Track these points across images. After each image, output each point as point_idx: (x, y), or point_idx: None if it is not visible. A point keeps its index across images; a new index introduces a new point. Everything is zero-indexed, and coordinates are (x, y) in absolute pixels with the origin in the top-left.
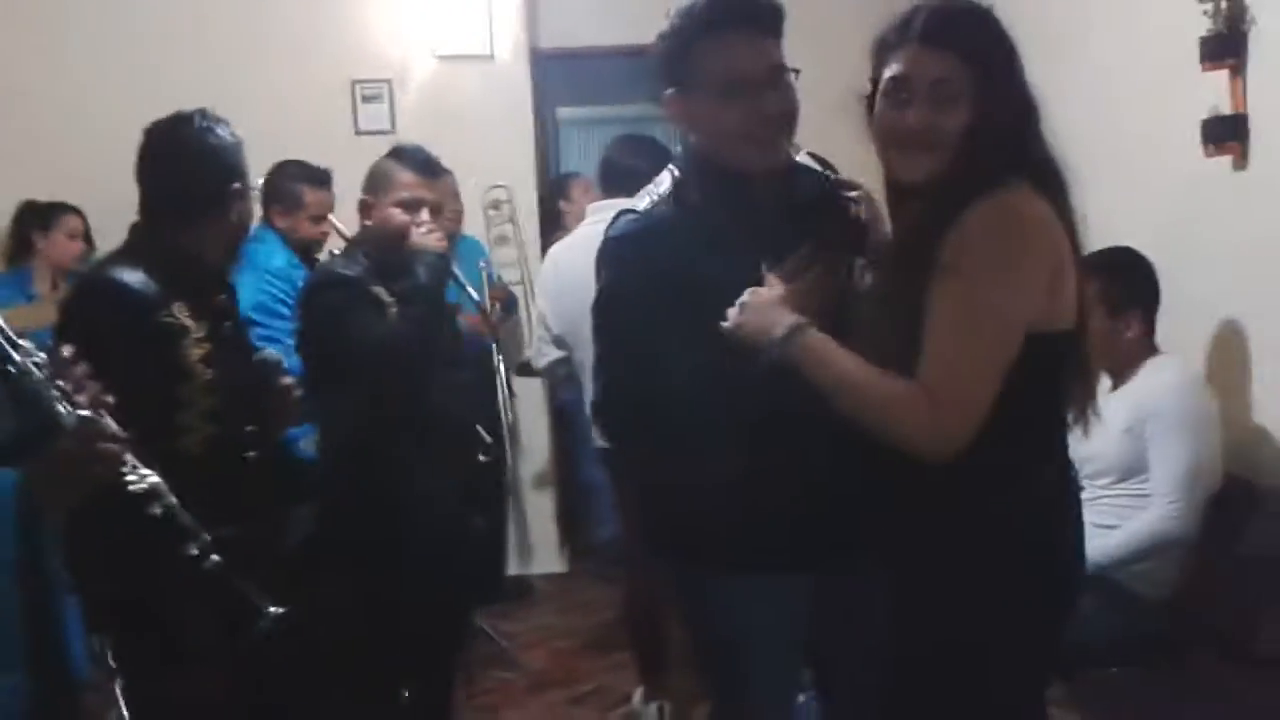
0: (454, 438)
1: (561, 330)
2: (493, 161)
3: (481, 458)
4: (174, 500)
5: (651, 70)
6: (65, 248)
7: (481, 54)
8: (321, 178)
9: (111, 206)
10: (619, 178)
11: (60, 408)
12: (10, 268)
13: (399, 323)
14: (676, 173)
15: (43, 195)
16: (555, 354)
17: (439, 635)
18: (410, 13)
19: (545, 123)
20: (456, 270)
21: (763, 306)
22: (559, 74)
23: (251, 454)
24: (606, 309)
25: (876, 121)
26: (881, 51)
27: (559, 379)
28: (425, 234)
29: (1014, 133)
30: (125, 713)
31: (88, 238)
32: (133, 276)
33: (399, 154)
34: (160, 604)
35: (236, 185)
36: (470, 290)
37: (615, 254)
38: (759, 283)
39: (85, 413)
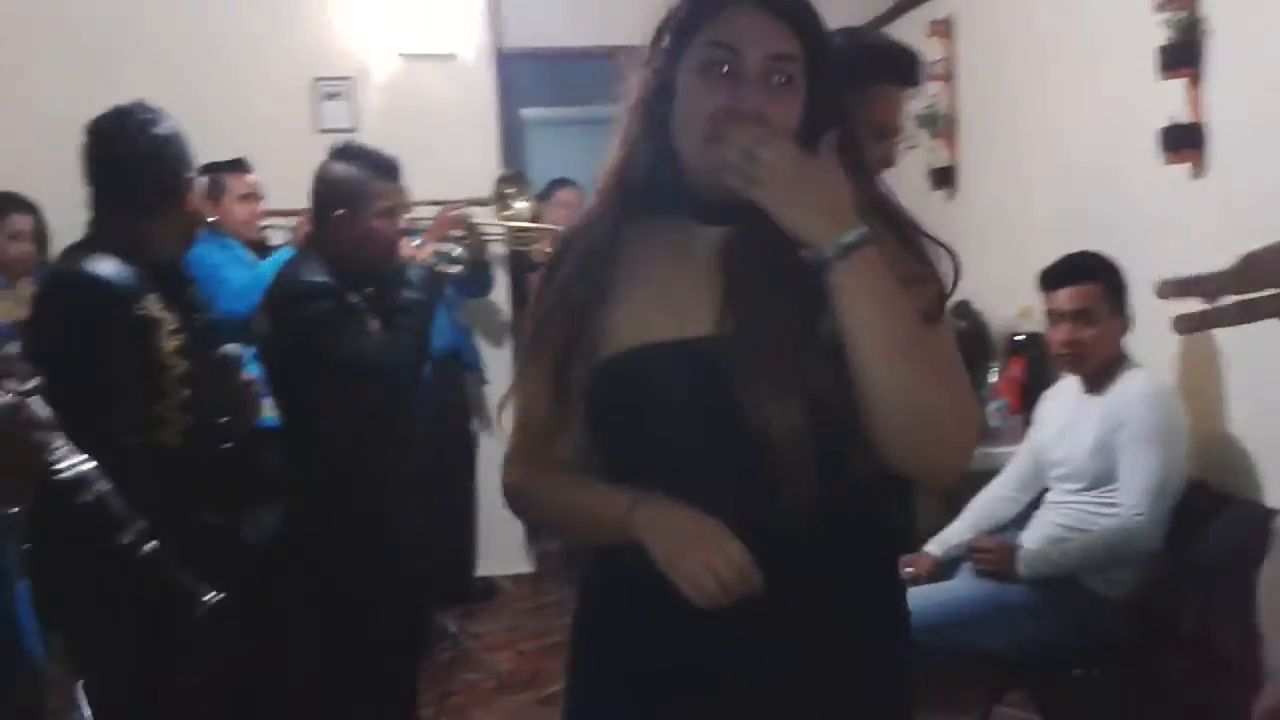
0: (420, 443)
1: None
2: (456, 161)
3: None
4: (107, 487)
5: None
6: (7, 249)
7: (445, 53)
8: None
9: (58, 205)
10: None
11: None
12: None
13: (394, 335)
14: None
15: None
16: None
17: (404, 636)
18: (374, 11)
19: (510, 123)
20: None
21: (817, 175)
22: (524, 74)
23: (227, 445)
24: None
25: (687, 103)
26: (686, 11)
27: None
28: (416, 246)
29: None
30: (86, 712)
31: (39, 238)
32: (107, 268)
33: (357, 158)
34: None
35: (189, 175)
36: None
37: None
38: None
39: (5, 398)
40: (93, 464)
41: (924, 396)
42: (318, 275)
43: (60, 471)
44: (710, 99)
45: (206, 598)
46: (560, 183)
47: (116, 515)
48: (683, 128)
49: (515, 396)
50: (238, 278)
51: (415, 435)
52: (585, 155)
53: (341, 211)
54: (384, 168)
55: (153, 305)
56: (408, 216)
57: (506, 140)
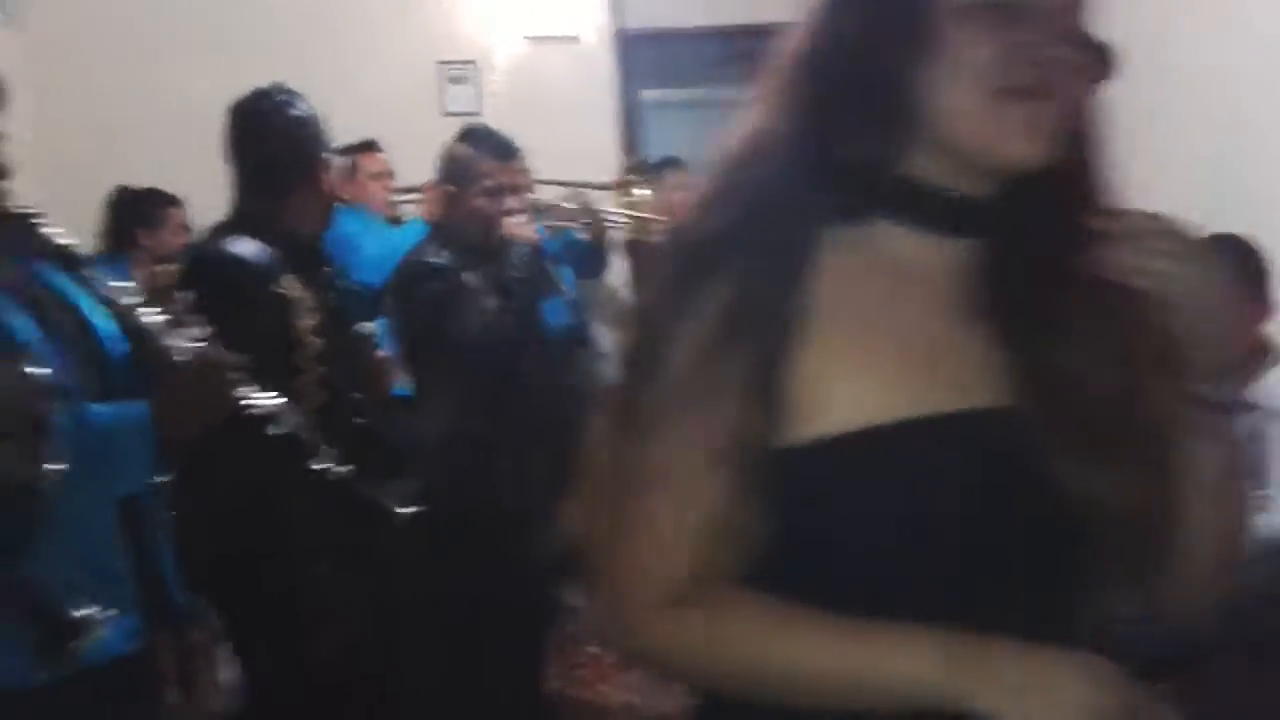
0: (547, 420)
1: None
2: (577, 144)
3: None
4: (298, 418)
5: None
6: (170, 242)
7: (568, 35)
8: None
9: (202, 191)
10: None
11: (170, 341)
12: (107, 257)
13: (497, 315)
14: None
15: (137, 181)
16: None
17: (532, 609)
18: None
19: (630, 105)
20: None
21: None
22: (645, 55)
23: (360, 420)
24: None
25: (956, 48)
26: None
27: None
28: (519, 224)
29: None
30: (231, 673)
31: (187, 227)
32: (247, 248)
33: (473, 139)
34: (281, 560)
35: (324, 155)
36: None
37: None
38: None
39: (197, 344)
40: (282, 399)
41: (1224, 550)
42: (435, 256)
43: (253, 406)
44: (994, 41)
45: (402, 511)
46: (668, 163)
47: (309, 444)
48: (947, 82)
49: (642, 492)
50: (373, 249)
51: (532, 409)
52: (703, 138)
53: (451, 189)
54: (497, 149)
55: (290, 284)
56: (529, 197)
57: (626, 123)
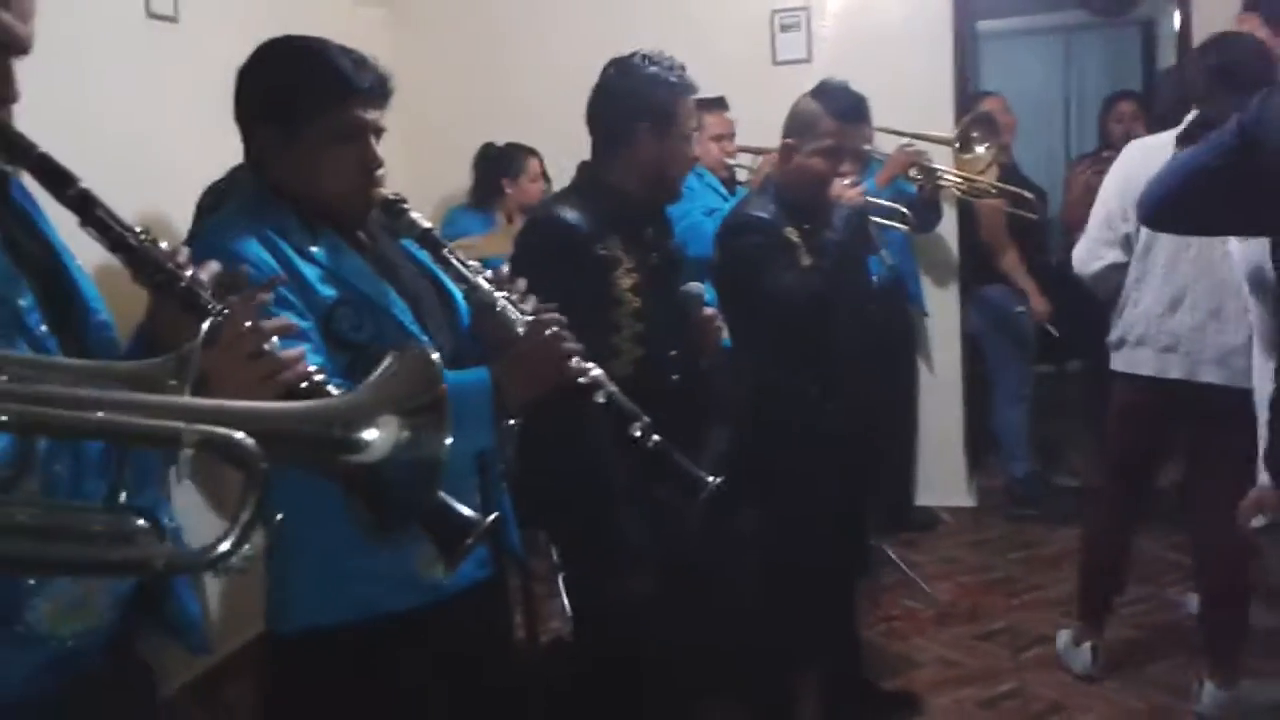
0: (858, 380)
1: (1130, 230)
2: (909, 83)
3: None
4: (615, 389)
5: None
6: (529, 189)
7: None
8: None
9: (565, 146)
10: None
11: (512, 314)
12: (477, 207)
13: (809, 274)
14: None
15: (507, 136)
16: (1113, 257)
17: (845, 560)
18: None
19: (964, 38)
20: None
21: None
22: None
23: (675, 377)
24: None
25: None
26: None
27: (1110, 288)
28: (846, 186)
29: None
30: (567, 602)
31: (545, 176)
32: (571, 213)
33: (824, 95)
34: (600, 507)
35: (644, 124)
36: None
37: None
38: None
39: (535, 317)
40: (600, 370)
41: None
42: (760, 210)
43: (582, 374)
44: None
45: (710, 480)
46: (985, 95)
47: (628, 411)
48: None
49: None
50: (708, 226)
51: (848, 365)
52: (1040, 68)
53: (790, 142)
54: (843, 109)
55: (613, 245)
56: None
57: (960, 57)
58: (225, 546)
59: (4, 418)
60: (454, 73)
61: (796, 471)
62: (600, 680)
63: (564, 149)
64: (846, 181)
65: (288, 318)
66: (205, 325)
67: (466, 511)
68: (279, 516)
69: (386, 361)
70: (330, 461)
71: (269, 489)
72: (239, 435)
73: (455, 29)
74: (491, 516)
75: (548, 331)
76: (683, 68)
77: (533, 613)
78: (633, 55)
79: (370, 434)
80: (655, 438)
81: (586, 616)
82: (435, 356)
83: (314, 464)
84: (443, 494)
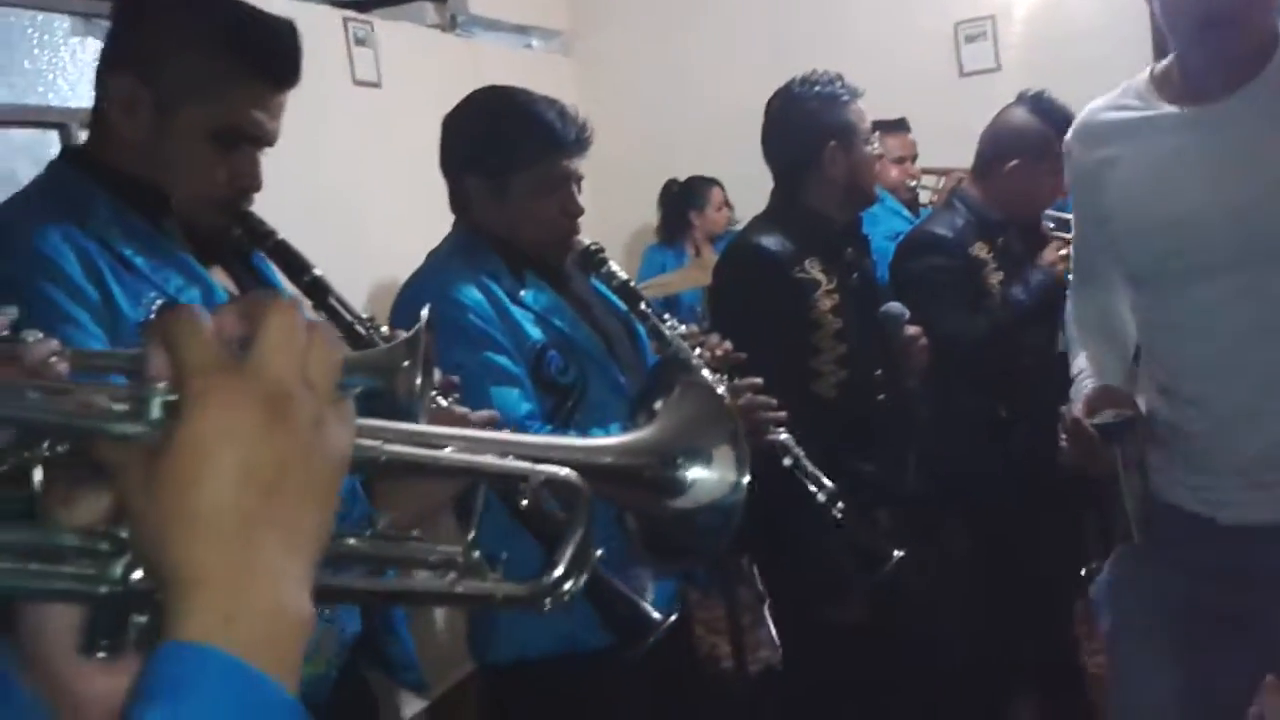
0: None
1: None
2: (1110, 89)
3: None
4: (802, 453)
5: None
6: (715, 219)
7: None
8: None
9: (745, 174)
10: None
11: (708, 375)
12: (667, 243)
13: (977, 321)
14: None
15: (688, 171)
16: None
17: (1059, 581)
18: None
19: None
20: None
21: None
22: None
23: (881, 397)
24: None
25: None
26: None
27: None
28: (1055, 250)
29: None
30: (773, 630)
31: (728, 204)
32: (769, 239)
33: (1046, 112)
34: (802, 541)
35: (830, 143)
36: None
37: None
38: None
39: (737, 381)
40: (787, 434)
41: None
42: (944, 228)
43: (770, 437)
44: None
45: (894, 553)
46: None
47: (812, 475)
48: None
49: None
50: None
51: (1034, 389)
52: None
53: (1016, 162)
54: (1060, 121)
55: (812, 268)
56: None
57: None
58: (556, 578)
59: (381, 458)
60: (634, 112)
61: (995, 493)
62: (812, 710)
63: (744, 178)
64: (1062, 252)
65: (490, 410)
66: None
67: (649, 610)
68: (599, 552)
69: (676, 392)
70: (653, 504)
71: (593, 523)
72: (572, 475)
73: (633, 69)
74: (672, 618)
75: (745, 397)
76: (840, 77)
77: (740, 642)
78: (790, 84)
79: (693, 473)
80: (840, 505)
81: (796, 645)
82: (721, 390)
83: (636, 504)
84: (626, 588)
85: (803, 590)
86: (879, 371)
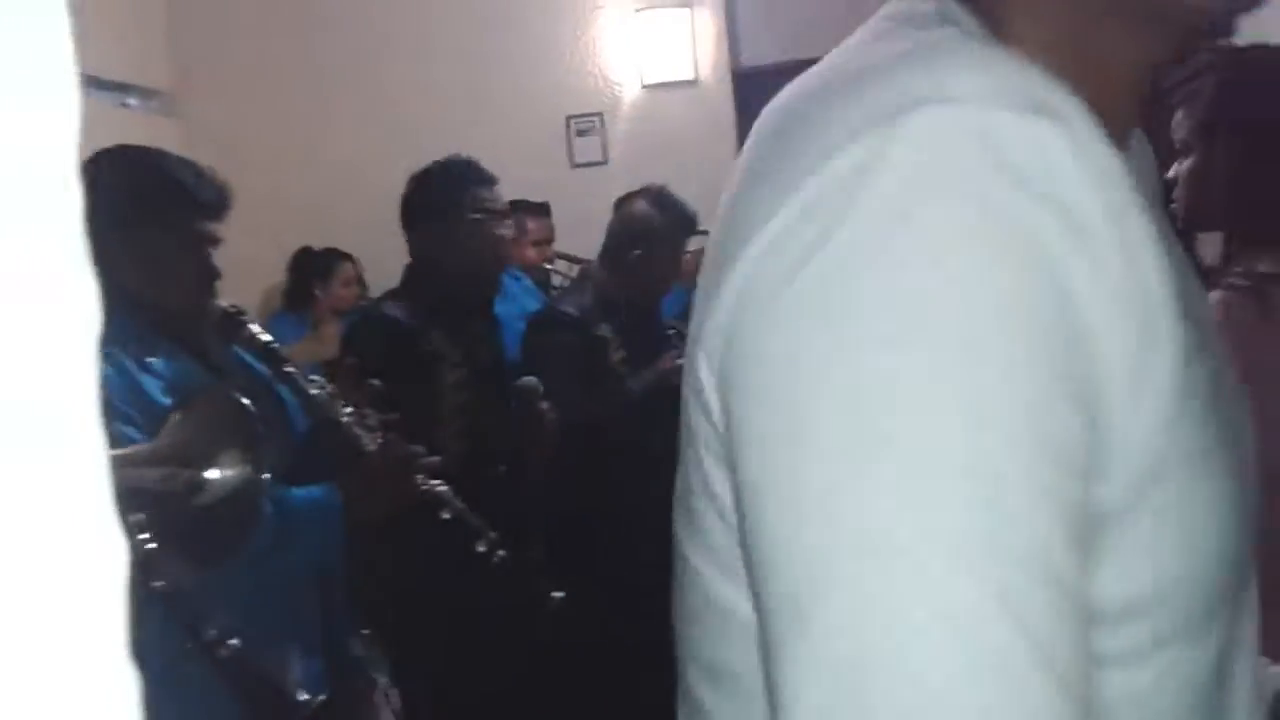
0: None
1: None
2: (700, 188)
3: None
4: (461, 504)
5: None
6: (342, 294)
7: (686, 79)
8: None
9: (383, 250)
10: None
11: (359, 432)
12: (289, 312)
13: (593, 402)
14: None
15: (318, 244)
16: None
17: None
18: (618, 45)
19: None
20: None
21: None
22: (763, 92)
23: (503, 469)
24: None
25: None
26: None
27: None
28: (672, 357)
29: None
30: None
31: (360, 281)
32: (397, 310)
33: (664, 205)
34: (447, 603)
35: (467, 221)
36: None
37: None
38: None
39: (383, 436)
40: (446, 486)
41: None
42: (571, 307)
43: (426, 493)
44: None
45: (555, 595)
46: None
47: (474, 527)
48: None
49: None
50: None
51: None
52: None
53: (639, 252)
54: (685, 220)
55: (438, 341)
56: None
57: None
58: None
59: None
60: (253, 177)
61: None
62: None
63: (381, 254)
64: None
65: None
66: None
67: (297, 692)
68: (234, 641)
69: (196, 402)
70: (180, 504)
71: None
72: None
73: (244, 133)
74: (320, 698)
75: (398, 450)
76: (475, 162)
77: None
78: (430, 166)
79: (212, 473)
80: (500, 553)
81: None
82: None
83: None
84: (275, 670)
85: (433, 672)
86: (503, 447)
